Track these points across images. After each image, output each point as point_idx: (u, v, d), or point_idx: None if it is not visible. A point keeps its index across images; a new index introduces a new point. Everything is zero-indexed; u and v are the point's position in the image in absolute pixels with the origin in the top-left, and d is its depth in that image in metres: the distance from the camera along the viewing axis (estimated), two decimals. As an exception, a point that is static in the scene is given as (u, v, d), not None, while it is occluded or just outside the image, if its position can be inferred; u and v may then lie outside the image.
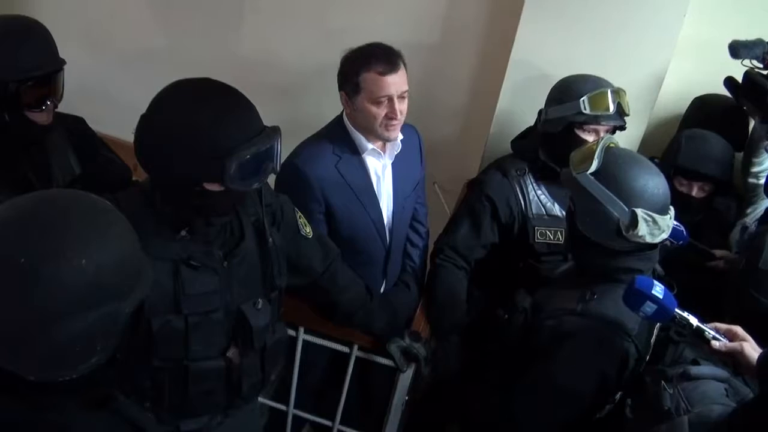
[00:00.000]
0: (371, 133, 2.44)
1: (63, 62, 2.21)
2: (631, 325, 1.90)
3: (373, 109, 2.36)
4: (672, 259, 2.08)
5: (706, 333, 1.75)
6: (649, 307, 1.74)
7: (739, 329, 1.76)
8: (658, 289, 1.75)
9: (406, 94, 2.39)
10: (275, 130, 1.73)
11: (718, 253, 2.65)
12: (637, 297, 1.75)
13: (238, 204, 1.84)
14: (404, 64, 2.39)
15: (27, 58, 2.08)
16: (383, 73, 2.32)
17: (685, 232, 2.33)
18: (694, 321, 1.76)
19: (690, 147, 2.66)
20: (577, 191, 1.95)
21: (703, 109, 2.95)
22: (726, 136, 2.71)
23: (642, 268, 1.94)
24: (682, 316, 1.76)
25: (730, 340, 1.74)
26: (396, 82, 2.34)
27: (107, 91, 3.76)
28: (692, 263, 2.57)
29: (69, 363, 1.20)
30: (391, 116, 2.36)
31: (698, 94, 3.00)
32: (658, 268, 2.03)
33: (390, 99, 2.34)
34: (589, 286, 1.97)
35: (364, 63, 2.34)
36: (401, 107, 2.38)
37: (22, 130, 2.15)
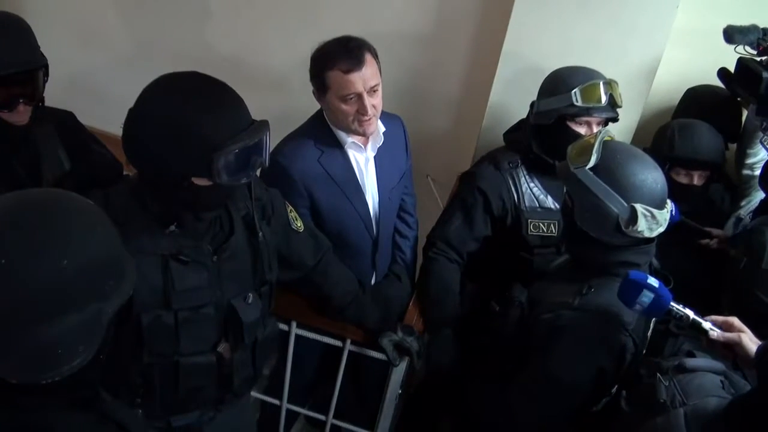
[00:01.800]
0: (346, 129, 2.42)
1: (39, 62, 2.12)
2: (628, 319, 1.89)
3: (343, 106, 2.33)
4: (667, 242, 2.07)
5: (703, 324, 1.75)
6: (647, 297, 1.73)
7: (735, 320, 1.76)
8: (653, 280, 1.75)
9: (378, 88, 2.34)
10: (263, 124, 1.71)
11: (713, 232, 2.66)
12: (632, 288, 1.74)
13: (228, 199, 1.83)
14: (375, 57, 2.35)
15: None
16: (347, 71, 2.27)
17: (674, 211, 2.32)
18: (690, 313, 1.76)
19: (685, 137, 2.66)
20: (576, 186, 1.92)
21: (696, 100, 2.95)
22: (719, 126, 2.72)
23: (639, 262, 1.93)
24: (677, 308, 1.76)
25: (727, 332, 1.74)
26: (363, 78, 2.29)
27: (97, 85, 3.74)
28: (687, 244, 2.59)
29: (52, 365, 1.18)
30: (361, 112, 2.33)
31: (691, 84, 2.99)
32: (655, 262, 2.03)
33: (359, 96, 2.30)
34: (585, 279, 1.96)
35: (328, 61, 2.30)
36: (373, 101, 2.33)
37: None
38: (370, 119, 2.35)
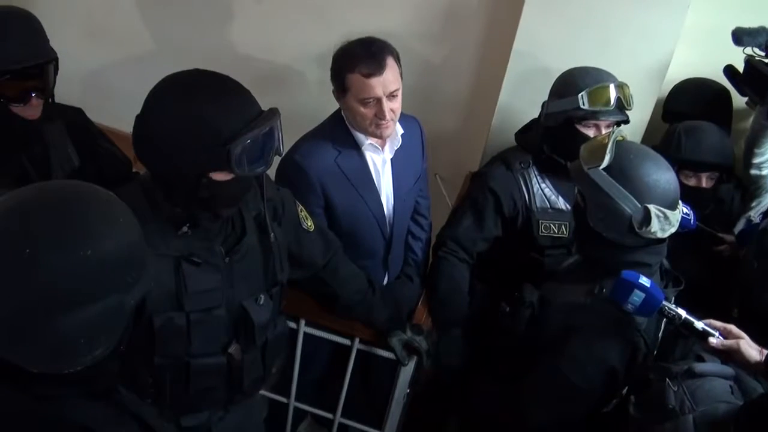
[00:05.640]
0: (364, 132, 2.41)
1: (50, 56, 2.13)
2: (639, 319, 1.89)
3: (361, 109, 2.31)
4: (680, 247, 2.07)
5: (696, 324, 1.78)
6: (637, 296, 1.78)
7: (733, 328, 1.77)
8: (644, 279, 1.78)
9: (397, 93, 2.32)
10: (273, 112, 1.71)
11: (726, 238, 2.65)
12: (624, 287, 1.79)
13: (246, 192, 1.80)
14: (397, 60, 2.33)
15: (5, 51, 2.01)
16: (368, 76, 2.25)
17: (692, 220, 2.30)
18: (682, 313, 1.79)
19: (691, 139, 2.64)
20: (589, 186, 1.92)
21: (683, 93, 2.97)
22: (711, 118, 2.72)
23: (650, 262, 1.93)
24: (670, 307, 1.79)
25: (725, 338, 1.75)
26: (383, 83, 2.27)
27: (106, 81, 3.74)
28: (700, 249, 2.58)
29: (73, 355, 1.19)
30: (379, 116, 2.32)
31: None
32: (665, 262, 2.03)
33: (378, 100, 2.29)
34: (597, 280, 1.96)
35: (349, 63, 2.28)
36: (392, 106, 2.32)
37: (7, 125, 2.10)
38: (387, 123, 2.34)
